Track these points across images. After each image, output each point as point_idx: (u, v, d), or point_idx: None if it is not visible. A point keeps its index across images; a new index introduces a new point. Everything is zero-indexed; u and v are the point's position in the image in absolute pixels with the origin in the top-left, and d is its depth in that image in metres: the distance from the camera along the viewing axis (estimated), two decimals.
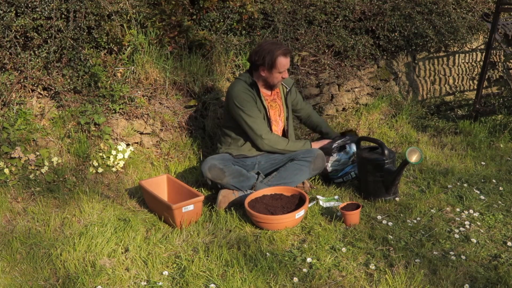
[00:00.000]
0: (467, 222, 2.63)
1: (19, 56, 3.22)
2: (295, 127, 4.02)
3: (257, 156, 3.12)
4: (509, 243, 2.42)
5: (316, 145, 3.23)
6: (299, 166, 3.03)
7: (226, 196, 2.86)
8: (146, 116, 3.46)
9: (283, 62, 2.99)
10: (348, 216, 2.61)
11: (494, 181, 3.21)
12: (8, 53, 3.21)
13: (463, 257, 2.30)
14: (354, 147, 3.30)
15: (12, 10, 3.17)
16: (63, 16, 3.32)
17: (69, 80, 3.33)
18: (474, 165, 3.51)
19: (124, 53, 3.50)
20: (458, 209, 2.80)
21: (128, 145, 3.36)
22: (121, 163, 3.19)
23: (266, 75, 3.04)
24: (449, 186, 3.13)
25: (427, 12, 4.90)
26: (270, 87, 3.12)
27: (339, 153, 3.24)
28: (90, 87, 3.37)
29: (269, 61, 2.97)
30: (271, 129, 3.11)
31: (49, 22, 3.26)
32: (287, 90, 3.23)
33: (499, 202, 2.90)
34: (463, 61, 5.55)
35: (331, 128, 3.62)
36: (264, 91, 3.14)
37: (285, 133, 3.25)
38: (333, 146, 3.19)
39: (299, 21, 4.33)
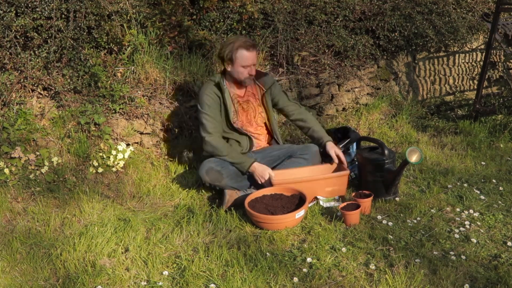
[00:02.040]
0: (467, 222, 2.63)
1: (19, 56, 3.22)
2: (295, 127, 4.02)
3: (253, 154, 3.11)
4: (509, 243, 2.41)
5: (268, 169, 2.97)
6: (297, 163, 3.03)
7: (231, 196, 2.86)
8: (146, 116, 3.46)
9: (245, 54, 2.93)
10: (348, 216, 2.61)
11: (494, 181, 3.21)
12: (8, 53, 3.21)
13: (463, 257, 2.29)
14: (354, 148, 3.30)
15: (12, 10, 3.17)
16: (63, 16, 3.33)
17: (69, 80, 3.33)
18: (474, 165, 3.51)
19: (124, 53, 3.50)
20: (458, 209, 2.80)
21: (128, 145, 3.36)
22: (121, 163, 3.19)
23: (231, 70, 3.01)
24: (449, 186, 3.13)
25: (427, 12, 4.91)
26: (239, 83, 3.07)
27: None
28: (90, 87, 3.37)
29: (230, 54, 2.94)
30: (235, 129, 3.06)
31: (49, 22, 3.26)
32: (264, 91, 3.15)
33: (499, 202, 2.90)
34: (463, 61, 5.55)
35: (324, 133, 3.20)
36: (235, 91, 3.10)
37: (270, 134, 3.25)
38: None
39: (299, 21, 4.33)
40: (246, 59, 2.95)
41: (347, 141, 3.25)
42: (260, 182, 2.93)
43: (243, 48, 2.92)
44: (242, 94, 3.14)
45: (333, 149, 3.04)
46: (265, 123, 3.23)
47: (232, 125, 3.05)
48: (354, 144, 3.31)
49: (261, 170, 2.92)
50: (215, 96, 3.01)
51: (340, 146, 3.19)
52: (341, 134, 3.41)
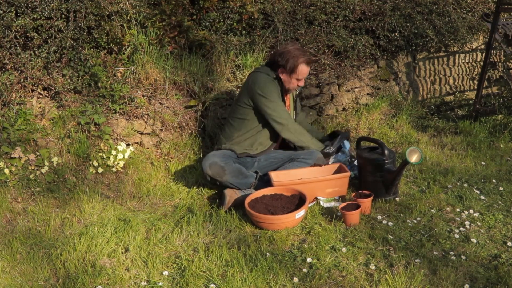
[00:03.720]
0: (467, 222, 2.63)
1: (19, 56, 3.22)
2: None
3: (259, 154, 3.12)
4: (509, 243, 2.41)
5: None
6: (298, 166, 3.03)
7: (232, 196, 2.87)
8: (146, 116, 3.46)
9: (304, 70, 3.01)
10: (348, 216, 2.61)
11: (494, 181, 3.21)
12: (8, 53, 3.21)
13: (463, 257, 2.29)
14: (347, 144, 3.30)
15: (12, 10, 3.17)
16: (63, 16, 3.33)
17: (69, 80, 3.33)
18: (474, 165, 3.51)
19: (124, 53, 3.50)
20: (458, 209, 2.80)
21: (128, 145, 3.36)
22: (121, 163, 3.19)
23: (284, 78, 3.04)
24: (449, 186, 3.13)
25: (427, 12, 4.91)
26: (284, 91, 3.11)
27: (337, 155, 3.25)
28: (90, 87, 3.37)
29: (291, 66, 2.97)
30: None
31: (49, 22, 3.26)
32: (297, 92, 3.26)
33: (499, 202, 2.90)
34: (463, 61, 5.55)
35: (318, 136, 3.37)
36: None
37: None
38: (331, 151, 3.18)
39: (299, 21, 4.33)
40: (303, 73, 3.02)
41: (337, 140, 3.25)
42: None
43: (305, 63, 2.99)
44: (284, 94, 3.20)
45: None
46: None
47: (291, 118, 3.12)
48: (347, 142, 3.30)
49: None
50: (277, 85, 3.05)
51: (332, 146, 3.19)
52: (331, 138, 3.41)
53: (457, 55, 5.46)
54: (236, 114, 3.11)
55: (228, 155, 3.03)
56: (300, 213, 2.59)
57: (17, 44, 3.22)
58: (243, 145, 3.09)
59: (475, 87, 5.31)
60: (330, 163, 3.21)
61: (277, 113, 3.01)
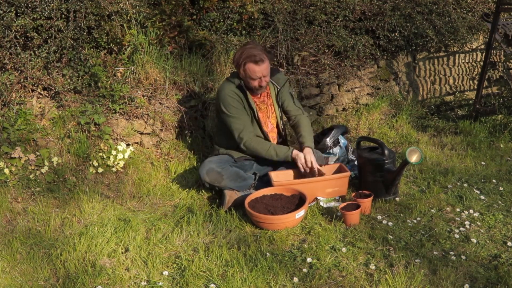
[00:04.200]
0: (467, 222, 2.63)
1: (19, 56, 3.22)
2: None
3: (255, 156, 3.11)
4: (509, 243, 2.41)
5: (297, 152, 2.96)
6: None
7: (231, 196, 2.86)
8: (146, 116, 3.46)
9: (254, 68, 2.87)
10: (348, 216, 2.61)
11: (494, 181, 3.21)
12: (8, 53, 3.21)
13: (463, 257, 2.29)
14: (342, 139, 3.30)
15: (12, 10, 3.17)
16: (63, 16, 3.33)
17: (69, 80, 3.33)
18: (474, 165, 3.51)
19: (124, 53, 3.50)
20: (458, 209, 2.80)
21: (128, 145, 3.36)
22: (121, 163, 3.19)
23: (242, 78, 2.98)
24: (449, 186, 3.12)
25: (427, 12, 4.91)
26: (252, 90, 3.01)
27: (334, 149, 3.24)
28: (90, 87, 3.37)
29: (239, 68, 2.92)
30: (261, 131, 3.06)
31: (49, 22, 3.26)
32: (278, 89, 3.13)
33: (499, 202, 2.90)
34: (463, 61, 5.55)
35: (307, 139, 3.10)
36: (251, 94, 3.06)
37: (280, 132, 3.23)
38: (327, 144, 3.17)
39: (299, 21, 4.33)
40: (254, 73, 2.89)
41: (332, 133, 3.23)
42: (302, 170, 2.92)
43: (251, 63, 2.87)
44: (258, 96, 3.10)
45: (307, 155, 2.92)
46: (276, 123, 3.21)
47: (260, 126, 3.05)
48: (343, 138, 3.29)
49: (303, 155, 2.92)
50: (237, 97, 2.98)
51: (328, 139, 3.18)
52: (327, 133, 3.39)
53: (457, 55, 5.46)
54: (221, 123, 3.11)
55: (225, 160, 3.02)
56: (300, 213, 2.59)
57: (17, 44, 3.22)
58: (239, 149, 3.08)
59: (475, 87, 5.31)
60: (332, 161, 3.21)
61: (233, 126, 2.97)
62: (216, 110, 3.14)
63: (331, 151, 3.27)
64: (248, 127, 3.00)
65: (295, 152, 2.93)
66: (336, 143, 3.26)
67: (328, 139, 3.22)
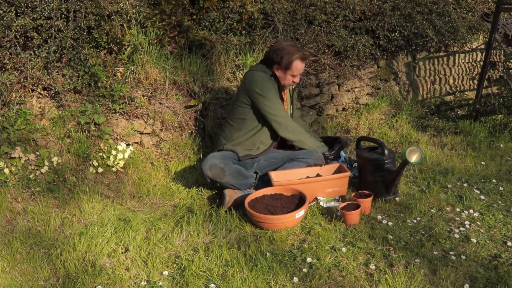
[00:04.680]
0: (467, 222, 2.63)
1: (19, 56, 3.22)
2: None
3: (260, 154, 3.11)
4: (509, 243, 2.42)
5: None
6: (298, 166, 3.03)
7: (231, 196, 2.87)
8: (146, 116, 3.46)
9: (299, 66, 3.00)
10: (348, 216, 2.61)
11: (494, 181, 3.21)
12: (8, 53, 3.21)
13: (463, 257, 2.29)
14: (343, 154, 3.32)
15: (12, 10, 3.17)
16: (63, 16, 3.33)
17: (69, 80, 3.33)
18: (474, 165, 3.51)
19: (124, 53, 3.50)
20: (458, 209, 2.80)
21: (128, 145, 3.36)
22: (121, 163, 3.19)
23: (279, 74, 3.04)
24: (449, 186, 3.13)
25: (427, 12, 4.91)
26: (280, 87, 3.10)
27: (333, 162, 3.25)
28: (90, 87, 3.37)
29: (286, 62, 2.97)
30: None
31: (49, 22, 3.26)
32: (293, 87, 3.25)
33: (499, 202, 2.90)
34: (463, 61, 5.55)
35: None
36: None
37: None
38: (330, 158, 3.18)
39: (299, 21, 4.33)
40: (298, 69, 3.01)
41: (337, 148, 3.25)
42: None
43: (299, 59, 2.98)
44: (282, 91, 3.18)
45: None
46: None
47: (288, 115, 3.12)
48: (342, 153, 3.34)
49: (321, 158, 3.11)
50: (274, 85, 3.05)
51: (332, 154, 3.20)
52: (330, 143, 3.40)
53: (457, 55, 5.46)
54: (235, 114, 3.11)
55: (228, 156, 3.02)
56: (300, 213, 2.59)
57: (17, 44, 3.22)
58: (245, 145, 3.08)
59: (475, 87, 5.30)
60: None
61: (275, 111, 3.01)
62: (237, 100, 3.12)
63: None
64: (286, 111, 3.10)
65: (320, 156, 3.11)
66: (337, 156, 3.28)
67: (332, 153, 3.22)
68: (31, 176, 2.98)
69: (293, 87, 3.25)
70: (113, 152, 3.18)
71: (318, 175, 3.00)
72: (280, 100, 3.09)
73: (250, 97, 3.02)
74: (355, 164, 3.30)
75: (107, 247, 2.43)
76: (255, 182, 2.99)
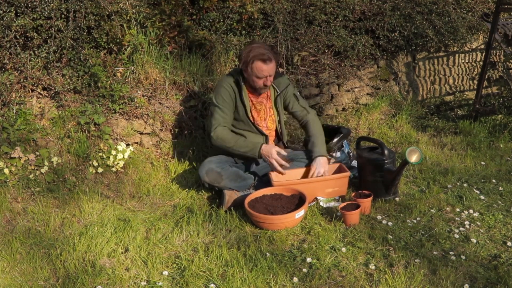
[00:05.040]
0: (467, 222, 2.63)
1: (19, 56, 3.22)
2: (295, 127, 4.02)
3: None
4: (509, 243, 2.41)
5: (268, 147, 2.94)
6: (298, 167, 3.02)
7: (231, 196, 2.86)
8: (146, 116, 3.46)
9: (261, 67, 2.86)
10: (348, 216, 2.61)
11: (494, 181, 3.21)
12: (8, 53, 3.21)
13: (463, 257, 2.29)
14: (347, 146, 3.30)
15: (12, 10, 3.17)
16: (63, 16, 3.33)
17: (69, 80, 3.33)
18: (474, 165, 3.51)
19: (124, 53, 3.50)
20: (458, 209, 2.80)
21: (128, 145, 3.36)
22: (121, 163, 3.19)
23: (247, 76, 2.97)
24: (449, 186, 3.13)
25: (427, 12, 4.91)
26: (255, 90, 3.01)
27: (337, 153, 3.25)
28: (90, 87, 3.37)
29: (245, 65, 2.90)
30: (256, 129, 3.03)
31: (49, 22, 3.26)
32: (278, 93, 3.11)
33: (499, 202, 2.90)
34: (463, 61, 5.55)
35: (320, 147, 3.04)
36: (250, 92, 3.05)
37: (279, 136, 3.23)
38: (332, 147, 3.17)
39: (299, 21, 4.33)
40: (261, 71, 2.87)
41: (340, 136, 3.21)
42: (269, 163, 2.91)
43: (259, 60, 2.85)
44: (256, 95, 3.09)
45: (320, 168, 2.92)
46: (275, 126, 3.19)
47: (249, 120, 3.01)
48: (346, 143, 3.30)
49: (267, 150, 2.89)
50: (231, 90, 2.97)
51: (334, 141, 3.17)
52: (332, 133, 3.37)
53: (457, 55, 5.46)
54: None
55: (225, 160, 3.00)
56: (300, 213, 2.59)
57: (17, 44, 3.22)
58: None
59: (475, 87, 5.31)
60: (332, 162, 3.21)
61: (213, 117, 2.96)
62: None
63: (333, 154, 3.26)
64: (228, 122, 2.98)
65: (262, 148, 2.89)
66: (340, 147, 3.26)
67: (334, 142, 3.20)
68: (31, 176, 2.98)
69: (278, 92, 3.10)
70: (113, 152, 3.18)
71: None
72: (242, 104, 2.98)
73: None
74: (354, 163, 3.31)
75: (107, 247, 2.43)
76: (255, 182, 2.99)
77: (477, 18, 5.28)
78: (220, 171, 2.89)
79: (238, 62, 2.99)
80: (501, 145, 3.90)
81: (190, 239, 2.53)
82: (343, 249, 2.37)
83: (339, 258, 2.31)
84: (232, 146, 2.92)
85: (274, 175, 2.93)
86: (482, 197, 2.96)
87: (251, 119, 3.02)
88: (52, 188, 2.97)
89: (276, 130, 3.21)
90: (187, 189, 3.14)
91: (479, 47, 5.63)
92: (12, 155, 2.97)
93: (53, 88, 3.29)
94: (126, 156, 3.21)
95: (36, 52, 3.28)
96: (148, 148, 3.46)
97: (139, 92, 3.48)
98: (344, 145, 3.28)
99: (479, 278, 2.14)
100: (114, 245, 2.45)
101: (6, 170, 2.92)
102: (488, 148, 3.85)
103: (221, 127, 2.94)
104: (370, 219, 2.70)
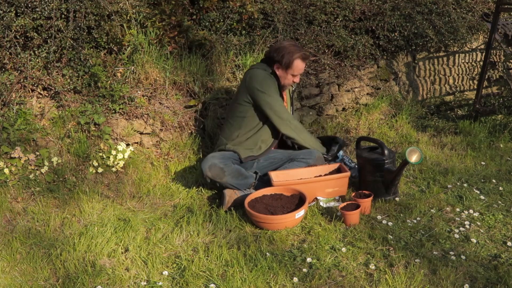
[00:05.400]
0: (467, 222, 2.63)
1: (19, 56, 3.22)
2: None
3: (262, 155, 3.11)
4: (509, 243, 2.42)
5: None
6: (298, 166, 3.03)
7: (231, 196, 2.87)
8: (146, 116, 3.46)
9: (300, 65, 3.01)
10: (348, 216, 2.61)
11: (494, 181, 3.21)
12: (8, 53, 3.21)
13: (463, 257, 2.30)
14: (340, 154, 3.32)
15: (12, 10, 3.17)
16: (63, 16, 3.33)
17: (69, 80, 3.33)
18: (474, 165, 3.51)
19: (124, 53, 3.50)
20: (458, 209, 2.80)
21: (128, 145, 3.36)
22: (121, 163, 3.19)
23: (280, 73, 3.04)
24: (449, 186, 3.13)
25: (427, 12, 4.91)
26: (282, 86, 3.11)
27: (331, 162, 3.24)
28: (90, 87, 3.37)
29: (287, 61, 2.98)
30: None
31: (49, 22, 3.26)
32: (293, 89, 3.24)
33: (499, 202, 2.90)
34: (463, 61, 5.55)
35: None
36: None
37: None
38: (329, 158, 3.17)
39: (299, 21, 4.33)
40: (299, 69, 3.02)
41: (336, 148, 3.24)
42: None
43: (300, 59, 2.99)
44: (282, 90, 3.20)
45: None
46: None
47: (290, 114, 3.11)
48: (340, 153, 3.34)
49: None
50: (275, 82, 3.05)
51: (330, 154, 3.19)
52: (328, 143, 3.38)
53: (457, 55, 5.46)
54: (236, 113, 3.10)
55: (228, 157, 3.01)
56: (300, 213, 2.59)
57: (17, 44, 3.22)
58: (246, 145, 3.07)
59: (475, 87, 5.31)
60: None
61: (276, 107, 3.01)
62: (237, 98, 3.11)
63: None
64: (286, 109, 3.09)
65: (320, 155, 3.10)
66: (335, 157, 3.27)
67: (330, 155, 3.21)
68: (31, 176, 2.98)
69: (293, 88, 3.25)
70: (113, 152, 3.18)
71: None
72: (281, 98, 3.09)
73: (251, 95, 3.02)
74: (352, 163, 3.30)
75: (107, 247, 2.43)
76: (255, 182, 2.99)
77: (477, 18, 5.28)
78: (223, 167, 2.89)
79: (270, 57, 3.03)
80: (501, 145, 3.91)
81: (190, 239, 2.53)
82: (343, 249, 2.37)
83: (339, 258, 2.31)
84: (305, 137, 3.09)
85: (274, 175, 2.93)
86: (482, 197, 2.96)
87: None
88: (52, 188, 2.97)
89: None
90: (187, 189, 3.14)
91: (479, 47, 5.63)
92: (12, 155, 2.97)
93: (53, 88, 3.29)
94: (126, 156, 3.21)
95: (36, 52, 3.28)
96: (148, 148, 3.46)
97: (139, 92, 3.48)
98: (339, 156, 3.30)
99: (479, 278, 2.14)
100: (114, 245, 2.45)
101: (6, 170, 2.92)
102: (488, 148, 3.85)
103: (292, 118, 3.07)
104: (370, 219, 2.70)
